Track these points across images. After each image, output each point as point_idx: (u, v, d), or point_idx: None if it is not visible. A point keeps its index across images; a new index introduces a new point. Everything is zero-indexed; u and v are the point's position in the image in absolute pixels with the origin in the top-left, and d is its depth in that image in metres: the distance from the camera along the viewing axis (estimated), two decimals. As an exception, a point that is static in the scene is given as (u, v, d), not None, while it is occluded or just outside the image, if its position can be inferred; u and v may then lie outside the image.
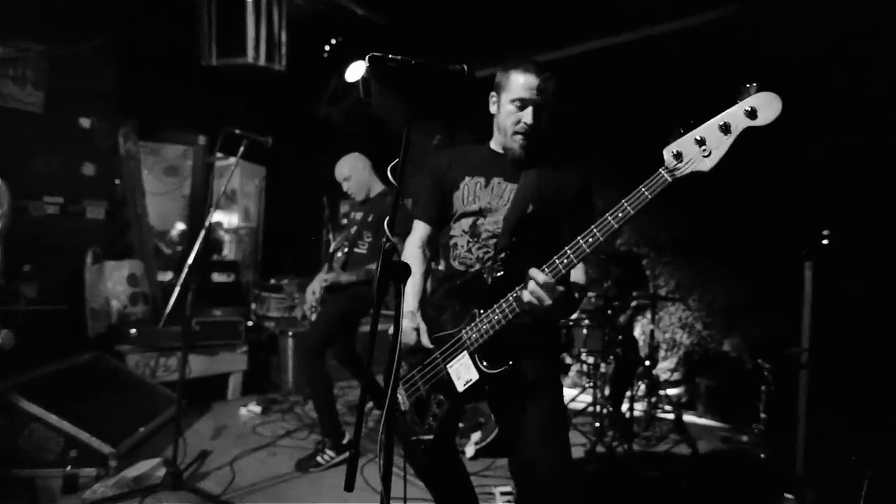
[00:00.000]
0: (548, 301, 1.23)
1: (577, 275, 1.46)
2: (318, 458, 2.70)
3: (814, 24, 3.06)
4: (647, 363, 3.32)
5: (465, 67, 1.27)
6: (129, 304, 3.73)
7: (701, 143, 1.09)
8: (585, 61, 3.96)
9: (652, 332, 3.45)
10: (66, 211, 3.58)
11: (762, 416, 2.86)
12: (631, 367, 3.22)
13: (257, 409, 3.44)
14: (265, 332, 4.18)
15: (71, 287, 3.45)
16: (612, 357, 3.16)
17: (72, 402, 2.48)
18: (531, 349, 1.43)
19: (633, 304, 3.62)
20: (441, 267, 1.67)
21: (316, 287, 2.91)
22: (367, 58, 1.26)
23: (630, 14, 3.59)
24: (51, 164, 3.51)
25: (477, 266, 1.49)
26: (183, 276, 2.64)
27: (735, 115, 1.07)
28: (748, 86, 1.08)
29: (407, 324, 1.48)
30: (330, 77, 5.12)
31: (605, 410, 3.06)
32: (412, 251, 1.64)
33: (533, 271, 1.24)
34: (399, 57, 1.23)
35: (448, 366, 1.40)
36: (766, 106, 1.05)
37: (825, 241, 2.42)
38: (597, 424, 3.03)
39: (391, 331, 1.22)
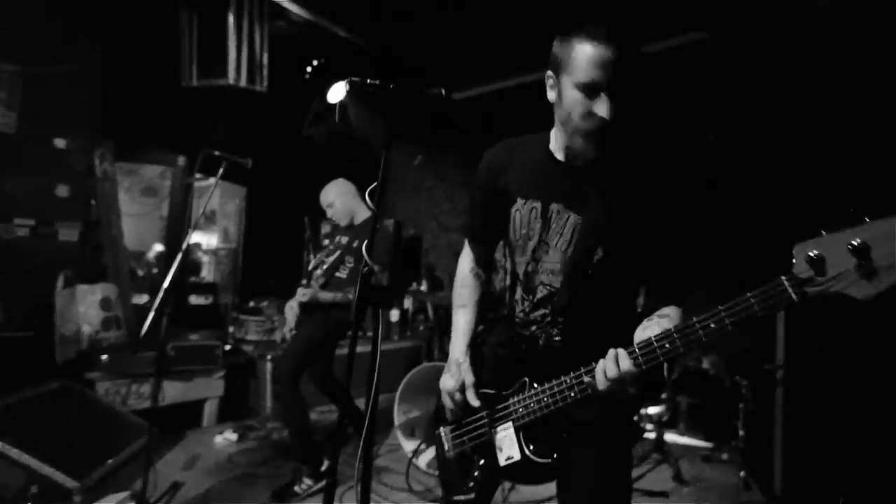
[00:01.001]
0: (630, 391, 0.99)
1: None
2: (296, 488, 2.62)
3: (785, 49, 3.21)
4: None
5: (444, 91, 1.29)
6: (101, 329, 3.61)
7: (862, 253, 0.74)
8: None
9: (633, 350, 3.47)
10: (37, 233, 3.48)
11: (741, 433, 2.88)
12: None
13: (233, 436, 3.34)
14: (243, 356, 4.09)
15: (39, 312, 3.33)
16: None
17: (36, 434, 2.36)
18: (593, 431, 1.16)
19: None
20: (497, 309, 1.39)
21: (294, 304, 2.88)
22: (345, 83, 1.28)
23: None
24: (23, 186, 3.42)
25: (532, 328, 1.21)
26: (158, 299, 2.57)
27: None
28: None
29: (450, 381, 1.28)
30: (312, 98, 5.15)
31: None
32: (462, 279, 1.41)
33: (621, 355, 0.99)
34: (377, 81, 1.25)
35: (494, 431, 1.22)
36: None
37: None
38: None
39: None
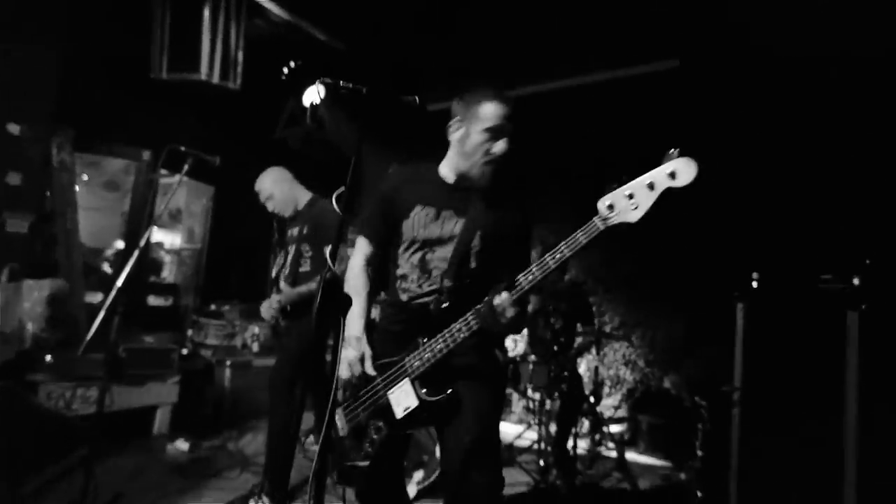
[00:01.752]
0: (502, 318, 1.30)
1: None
2: (251, 501, 2.47)
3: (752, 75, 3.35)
4: (592, 400, 3.35)
5: (417, 99, 1.27)
6: (46, 328, 3.40)
7: (630, 197, 1.24)
8: (534, 102, 4.12)
9: (597, 368, 3.50)
10: (-18, 223, 3.28)
11: (699, 453, 2.93)
12: (576, 403, 3.24)
13: (185, 445, 3.19)
14: (201, 361, 3.93)
15: (-21, 307, 3.13)
16: (557, 394, 3.17)
17: (-35, 438, 2.19)
18: (472, 373, 1.46)
19: (579, 339, 3.68)
20: (384, 295, 1.68)
21: (268, 315, 2.70)
22: (319, 82, 1.25)
23: (575, 61, 3.80)
24: (-31, 172, 3.23)
25: (423, 298, 1.52)
26: (110, 297, 2.44)
27: (659, 176, 1.22)
28: (671, 151, 1.22)
29: (351, 352, 1.49)
30: (287, 99, 5.07)
31: (549, 448, 3.04)
32: (357, 271, 1.64)
33: (501, 294, 1.32)
34: (351, 84, 1.22)
35: (389, 392, 1.43)
36: (684, 170, 1.21)
37: (755, 284, 2.56)
38: (541, 462, 3.01)
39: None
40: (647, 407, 3.68)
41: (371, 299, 1.64)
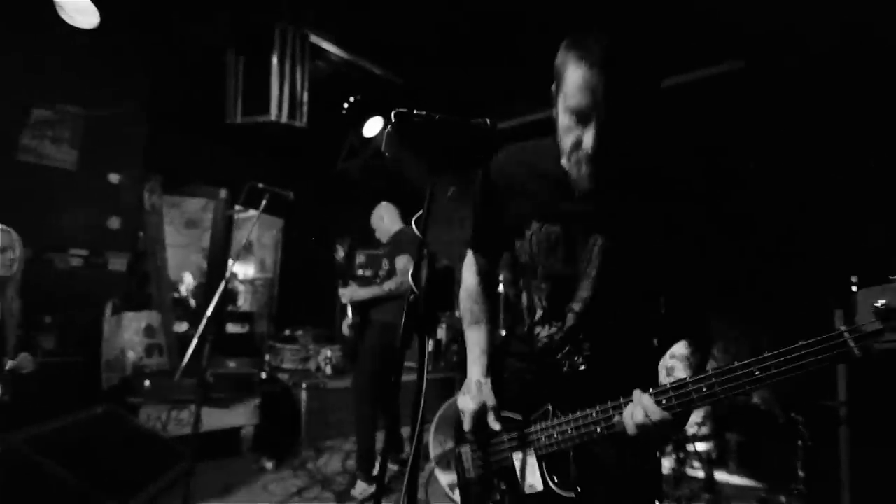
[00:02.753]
0: (656, 436, 0.92)
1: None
2: (352, 492, 2.97)
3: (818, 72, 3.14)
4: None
5: (489, 121, 1.30)
6: (144, 356, 3.72)
7: None
8: None
9: (676, 383, 3.32)
10: (89, 263, 3.66)
11: (800, 474, 2.69)
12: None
13: (269, 464, 3.33)
14: (279, 385, 4.12)
15: (88, 339, 3.48)
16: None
17: (82, 457, 2.42)
18: (615, 473, 1.08)
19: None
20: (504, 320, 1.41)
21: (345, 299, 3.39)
22: (392, 114, 1.31)
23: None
24: (78, 218, 3.63)
25: (556, 352, 1.14)
26: (201, 327, 2.64)
27: None
28: None
29: (469, 403, 1.20)
30: (347, 133, 5.32)
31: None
32: (473, 293, 1.33)
33: (645, 400, 0.92)
34: (423, 112, 1.28)
35: (515, 456, 1.15)
36: None
37: (854, 288, 2.36)
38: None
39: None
40: (735, 424, 3.43)
41: (493, 326, 1.34)
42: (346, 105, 4.45)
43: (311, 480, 3.18)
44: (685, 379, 0.92)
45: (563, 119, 0.98)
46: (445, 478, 2.95)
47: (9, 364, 2.30)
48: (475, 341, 1.31)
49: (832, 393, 2.43)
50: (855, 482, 2.30)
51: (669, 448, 3.26)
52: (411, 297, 1.19)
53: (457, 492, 2.76)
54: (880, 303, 0.71)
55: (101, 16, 3.24)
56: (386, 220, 3.48)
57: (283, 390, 4.08)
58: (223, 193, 5.30)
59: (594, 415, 1.02)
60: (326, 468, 3.40)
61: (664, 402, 0.92)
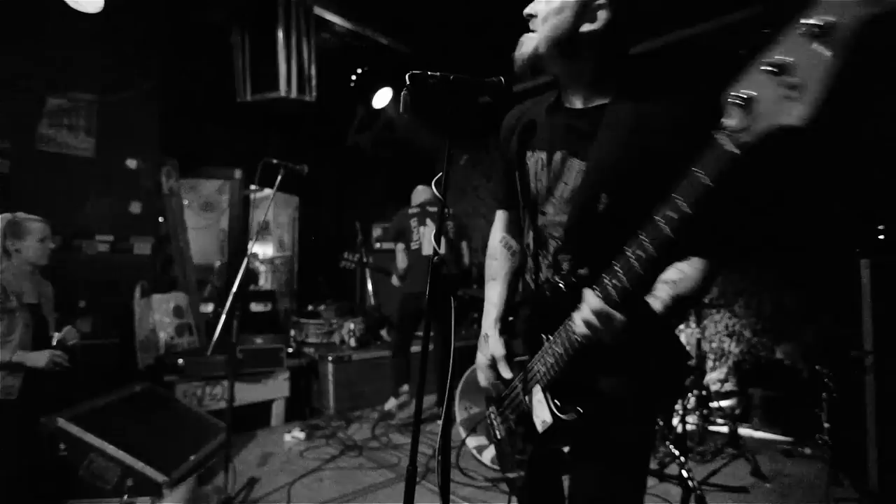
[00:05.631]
0: (608, 338, 0.91)
1: (685, 276, 0.98)
2: (387, 406, 3.70)
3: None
4: (697, 372, 3.20)
5: (503, 79, 1.28)
6: (175, 336, 3.84)
7: (780, 71, 0.62)
8: None
9: (699, 341, 3.33)
10: (115, 248, 3.75)
11: (826, 426, 2.70)
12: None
13: (301, 435, 3.46)
14: (305, 358, 4.23)
15: (122, 321, 3.59)
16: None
17: (126, 433, 2.54)
18: (609, 394, 1.05)
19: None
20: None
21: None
22: (407, 76, 1.30)
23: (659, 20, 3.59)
24: (101, 205, 3.70)
25: (545, 281, 1.15)
26: (228, 305, 2.72)
27: (832, 5, 0.58)
28: None
29: (480, 356, 1.26)
30: (356, 105, 5.28)
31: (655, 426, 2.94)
32: (494, 250, 1.36)
33: (587, 294, 0.93)
34: (438, 73, 1.26)
35: (527, 398, 1.14)
36: None
37: (881, 237, 2.31)
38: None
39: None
40: (758, 380, 3.44)
41: (513, 279, 1.34)
42: (354, 77, 4.41)
43: (343, 447, 3.30)
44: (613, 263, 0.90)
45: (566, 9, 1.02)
46: (472, 441, 3.03)
47: (56, 337, 2.42)
48: (489, 297, 1.33)
49: (858, 343, 2.41)
50: (881, 432, 2.30)
51: (693, 404, 3.29)
52: (435, 258, 1.20)
53: (485, 453, 2.86)
54: (743, 94, 0.67)
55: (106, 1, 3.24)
56: (419, 199, 3.90)
57: (310, 364, 4.19)
58: (238, 174, 5.33)
59: (566, 326, 1.01)
60: (357, 435, 3.52)
61: (598, 291, 0.91)
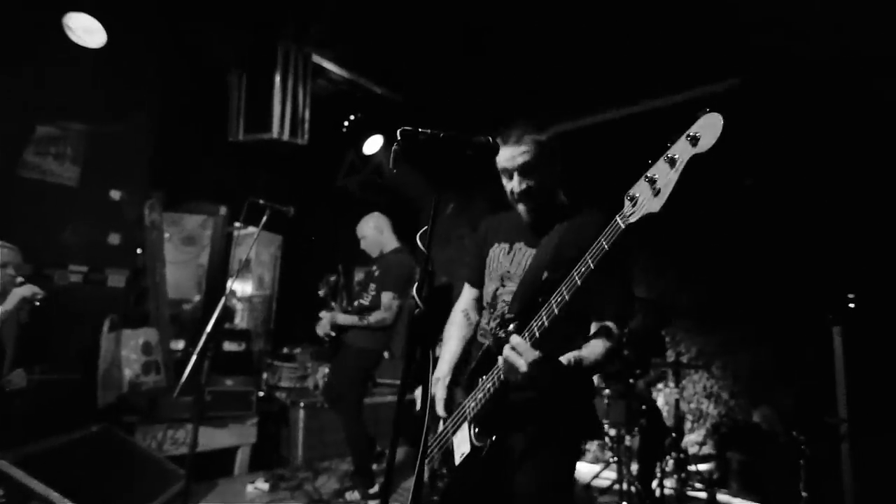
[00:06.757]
0: (523, 367, 1.15)
1: (590, 348, 1.29)
2: (347, 494, 3.10)
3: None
4: (674, 434, 3.16)
5: (491, 139, 1.33)
6: (141, 373, 3.68)
7: (652, 182, 1.02)
8: (603, 131, 4.15)
9: (677, 401, 3.31)
10: (88, 279, 3.65)
11: (803, 494, 2.66)
12: (658, 439, 3.07)
13: (265, 486, 3.28)
14: (276, 404, 4.08)
15: (85, 356, 3.44)
16: (636, 429, 3.01)
17: (76, 478, 2.38)
18: (531, 414, 1.31)
19: (651, 373, 3.50)
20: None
21: (322, 332, 3.40)
22: (398, 132, 1.34)
23: (637, 88, 3.81)
24: (78, 234, 3.63)
25: (490, 336, 1.44)
26: (200, 344, 2.63)
27: (680, 147, 0.99)
28: (699, 113, 1.00)
29: (434, 391, 1.49)
30: (347, 150, 5.37)
31: (632, 488, 2.87)
32: (456, 315, 1.66)
33: (513, 335, 1.21)
34: (428, 131, 1.31)
35: (454, 436, 1.36)
36: (706, 129, 0.97)
37: (851, 305, 2.38)
38: (625, 504, 2.84)
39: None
40: (736, 443, 3.41)
41: (466, 345, 1.62)
42: (346, 123, 4.51)
43: (310, 501, 3.12)
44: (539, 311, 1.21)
45: (504, 181, 1.48)
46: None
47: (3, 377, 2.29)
48: (443, 352, 1.61)
49: (833, 410, 2.42)
50: (859, 500, 2.28)
51: (671, 467, 3.23)
52: (415, 311, 1.21)
53: None
54: (631, 194, 1.06)
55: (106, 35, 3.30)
56: (385, 233, 3.42)
57: (281, 409, 4.03)
58: (223, 210, 5.30)
59: (496, 366, 1.26)
60: (324, 489, 3.34)
61: (526, 334, 1.20)
